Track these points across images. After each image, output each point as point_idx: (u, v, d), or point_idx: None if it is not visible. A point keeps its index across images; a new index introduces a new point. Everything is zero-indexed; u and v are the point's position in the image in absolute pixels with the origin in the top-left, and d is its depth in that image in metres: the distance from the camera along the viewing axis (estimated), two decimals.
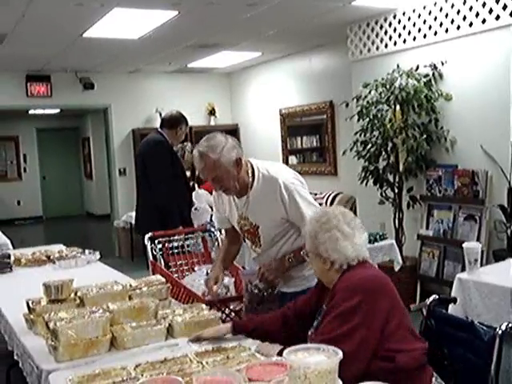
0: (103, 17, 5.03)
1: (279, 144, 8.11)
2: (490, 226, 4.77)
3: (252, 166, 2.62)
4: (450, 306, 3.14)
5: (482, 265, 3.41)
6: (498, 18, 4.54)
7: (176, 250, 3.60)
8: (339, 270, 2.10)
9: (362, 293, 1.97)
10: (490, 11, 4.58)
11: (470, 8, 4.74)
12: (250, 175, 2.59)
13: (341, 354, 1.41)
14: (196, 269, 3.21)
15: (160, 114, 8.58)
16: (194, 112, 8.84)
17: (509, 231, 4.52)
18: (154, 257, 3.52)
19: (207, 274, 2.99)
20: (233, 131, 9.02)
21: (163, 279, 2.86)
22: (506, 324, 1.98)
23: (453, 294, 3.17)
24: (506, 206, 4.56)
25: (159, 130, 4.68)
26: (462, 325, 2.15)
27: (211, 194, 5.84)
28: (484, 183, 4.75)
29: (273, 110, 8.16)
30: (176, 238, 3.65)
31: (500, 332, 1.96)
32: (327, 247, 2.10)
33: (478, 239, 4.68)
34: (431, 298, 2.32)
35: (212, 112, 8.95)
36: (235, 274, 3.14)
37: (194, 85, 8.92)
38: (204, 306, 2.53)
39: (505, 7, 4.47)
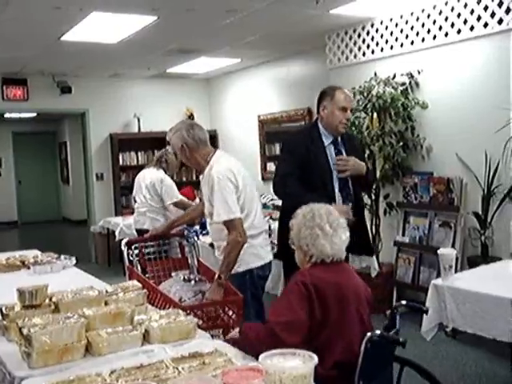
0: (81, 21, 5.00)
1: (257, 150, 8.13)
2: (465, 233, 4.84)
3: (213, 155, 3.28)
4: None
5: (456, 271, 3.45)
6: (472, 28, 4.62)
7: (153, 256, 3.58)
8: (315, 263, 2.31)
9: (303, 289, 2.18)
10: (465, 22, 4.66)
11: (446, 18, 4.82)
12: (207, 162, 3.24)
13: (316, 359, 1.42)
14: (173, 274, 3.20)
15: (138, 119, 8.56)
16: (172, 117, 8.79)
17: (483, 238, 4.59)
18: (131, 262, 3.49)
19: (184, 279, 3.01)
20: (211, 137, 8.93)
21: (140, 285, 2.84)
22: (370, 334, 2.08)
23: (428, 300, 3.19)
24: (480, 213, 4.63)
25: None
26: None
27: (189, 199, 5.85)
28: (459, 190, 4.82)
29: (251, 117, 8.18)
30: (153, 243, 3.62)
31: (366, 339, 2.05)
32: (307, 242, 2.31)
33: (453, 246, 4.74)
34: (399, 303, 2.37)
35: (190, 117, 8.93)
36: (211, 280, 3.14)
37: (172, 90, 8.91)
38: (181, 311, 2.52)
39: (479, 18, 4.55)
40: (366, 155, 5.22)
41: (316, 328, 2.18)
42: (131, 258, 3.47)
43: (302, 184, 3.37)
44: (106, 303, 2.56)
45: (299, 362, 1.41)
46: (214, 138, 9.03)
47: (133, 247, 3.51)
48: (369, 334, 2.05)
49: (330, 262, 2.30)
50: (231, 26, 5.37)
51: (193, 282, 3.08)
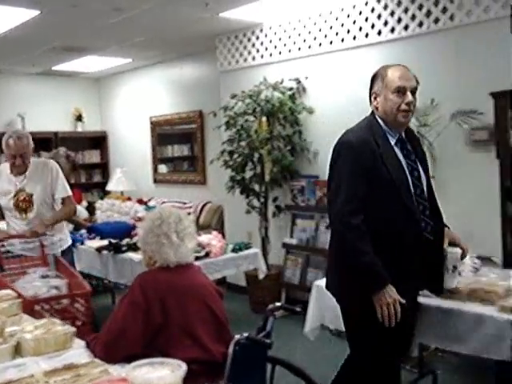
0: None
1: (149, 152, 8.01)
2: None
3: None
4: (309, 312, 3.27)
5: None
6: (354, 38, 4.83)
7: (12, 254, 3.73)
8: (159, 266, 2.31)
9: (141, 291, 2.19)
10: (348, 31, 4.86)
11: (331, 27, 5.00)
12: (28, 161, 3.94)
13: (185, 367, 1.41)
14: (29, 271, 3.36)
15: (22, 119, 8.13)
16: (60, 117, 8.51)
17: None
18: None
19: (42, 276, 3.22)
20: (101, 138, 8.76)
21: (15, 294, 2.70)
22: (238, 337, 2.13)
23: (310, 301, 3.28)
24: None
25: None
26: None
27: (76, 201, 5.67)
28: None
29: (143, 118, 8.04)
30: (13, 241, 3.78)
31: (234, 342, 2.10)
32: (152, 249, 2.31)
33: None
34: (273, 306, 2.40)
35: (79, 118, 8.62)
36: (69, 276, 3.34)
37: (60, 89, 8.55)
38: (58, 321, 2.41)
39: (361, 29, 4.77)
40: (255, 159, 5.32)
41: (157, 330, 2.17)
42: None
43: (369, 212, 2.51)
44: None
45: (167, 372, 1.40)
46: (104, 139, 8.77)
47: None
48: (237, 336, 2.06)
49: (175, 267, 2.30)
50: (118, 25, 5.24)
51: (48, 278, 3.21)
